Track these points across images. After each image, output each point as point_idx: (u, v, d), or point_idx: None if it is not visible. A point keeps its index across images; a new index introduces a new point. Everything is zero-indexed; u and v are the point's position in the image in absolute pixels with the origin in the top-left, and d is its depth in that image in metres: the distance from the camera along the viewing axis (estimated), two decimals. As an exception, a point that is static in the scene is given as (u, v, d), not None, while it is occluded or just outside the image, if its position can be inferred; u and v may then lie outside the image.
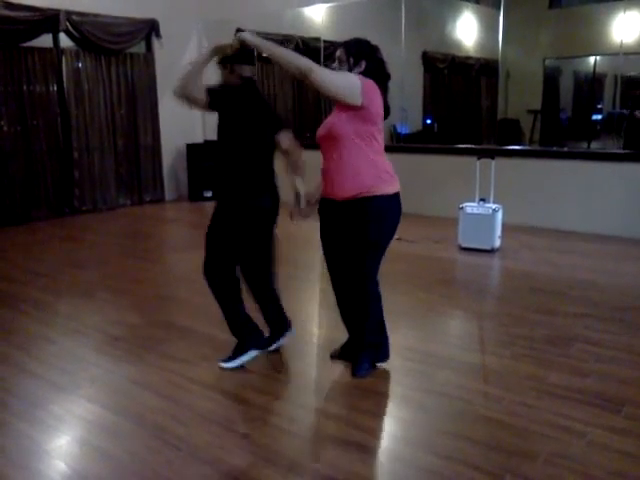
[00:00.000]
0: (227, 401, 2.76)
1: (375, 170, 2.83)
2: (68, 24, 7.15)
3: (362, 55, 2.78)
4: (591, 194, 5.95)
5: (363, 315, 2.98)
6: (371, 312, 2.98)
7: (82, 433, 2.55)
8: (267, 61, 8.61)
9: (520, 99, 8.66)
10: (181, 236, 6.91)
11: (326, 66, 2.83)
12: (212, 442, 2.41)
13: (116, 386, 2.95)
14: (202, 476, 2.20)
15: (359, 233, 2.85)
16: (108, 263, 5.31)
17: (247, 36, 2.72)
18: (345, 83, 2.68)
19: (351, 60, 2.76)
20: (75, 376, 3.06)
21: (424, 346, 3.34)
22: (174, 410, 2.67)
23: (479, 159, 5.50)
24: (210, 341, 3.48)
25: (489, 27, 8.47)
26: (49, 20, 6.96)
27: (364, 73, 2.74)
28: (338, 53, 2.80)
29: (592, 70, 8.65)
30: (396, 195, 2.93)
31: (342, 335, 3.52)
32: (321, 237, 3.07)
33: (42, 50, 7.10)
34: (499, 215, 5.32)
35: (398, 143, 8.21)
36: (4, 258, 5.53)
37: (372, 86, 2.71)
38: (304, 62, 2.62)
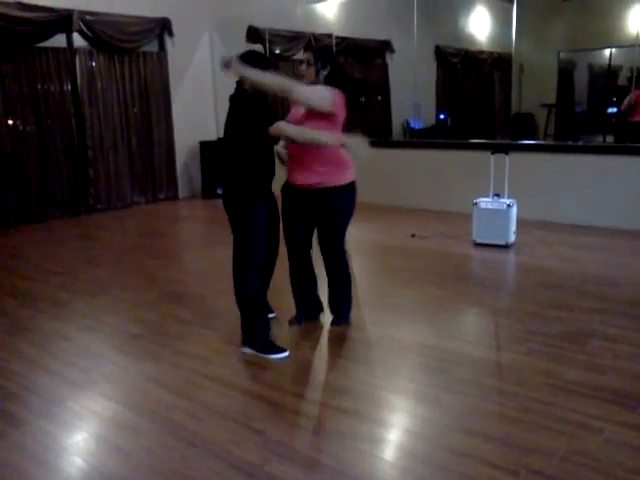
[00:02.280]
0: (242, 397, 2.77)
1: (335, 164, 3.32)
2: (81, 24, 7.19)
3: (328, 60, 3.25)
4: (606, 188, 5.89)
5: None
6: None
7: (98, 429, 2.57)
8: (280, 58, 8.62)
9: (534, 93, 8.58)
10: (195, 233, 6.94)
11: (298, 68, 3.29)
12: (227, 438, 2.43)
13: (132, 383, 2.98)
14: (217, 472, 2.21)
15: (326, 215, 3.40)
16: (123, 261, 5.35)
17: (235, 67, 2.99)
18: (322, 97, 3.10)
19: (319, 64, 3.22)
20: (91, 373, 3.08)
21: (438, 342, 3.33)
22: (189, 407, 2.69)
23: (493, 154, 5.46)
24: (225, 338, 3.49)
25: (502, 21, 8.40)
26: (63, 20, 7.01)
27: (328, 75, 3.21)
28: (306, 56, 3.25)
29: (607, 63, 8.54)
30: (352, 184, 3.48)
31: (357, 333, 3.53)
32: (284, 217, 3.46)
33: (56, 50, 7.16)
34: (514, 210, 5.28)
35: (411, 138, 8.18)
36: (21, 256, 5.59)
37: (339, 96, 3.16)
38: (284, 84, 3.06)
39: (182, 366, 3.12)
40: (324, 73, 3.22)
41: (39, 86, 7.07)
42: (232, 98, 3.15)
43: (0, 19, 6.47)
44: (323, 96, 3.10)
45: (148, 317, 3.85)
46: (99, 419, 2.65)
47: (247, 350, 3.25)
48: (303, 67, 3.25)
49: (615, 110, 7.39)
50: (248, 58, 3.08)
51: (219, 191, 8.43)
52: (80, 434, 2.54)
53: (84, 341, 3.53)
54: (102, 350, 3.39)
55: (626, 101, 6.85)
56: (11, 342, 3.50)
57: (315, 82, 3.23)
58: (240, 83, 3.12)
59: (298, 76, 3.29)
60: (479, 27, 9.61)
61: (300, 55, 3.08)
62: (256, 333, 3.24)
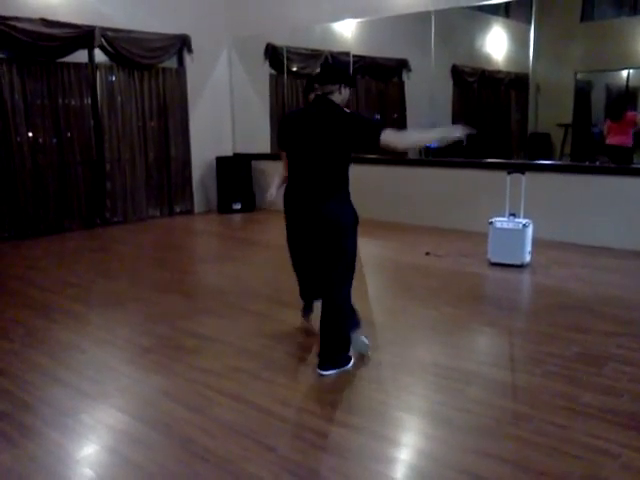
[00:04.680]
0: (254, 413, 2.76)
1: None
2: (103, 40, 7.32)
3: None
4: (623, 209, 5.84)
5: None
6: None
7: (111, 442, 2.57)
8: (297, 75, 8.70)
9: (550, 113, 8.56)
10: (211, 248, 6.97)
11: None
12: (239, 454, 2.42)
13: (145, 396, 2.98)
14: (229, 489, 2.21)
15: None
16: (138, 274, 5.39)
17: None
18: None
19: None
20: (105, 386, 3.10)
21: (452, 362, 3.31)
22: (202, 422, 2.69)
23: (509, 174, 5.45)
24: (239, 353, 3.50)
25: (519, 41, 8.42)
26: (85, 36, 7.13)
27: None
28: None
29: (625, 84, 8.52)
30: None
31: (372, 351, 3.51)
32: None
33: (77, 65, 7.28)
34: (529, 230, 5.25)
35: (427, 157, 8.18)
36: (37, 267, 5.65)
37: None
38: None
39: (195, 380, 3.12)
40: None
41: (60, 100, 7.18)
42: (322, 113, 3.11)
43: (24, 35, 6.60)
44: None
45: (162, 331, 3.86)
46: (112, 432, 2.65)
47: (330, 372, 3.15)
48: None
49: (634, 130, 7.36)
50: (334, 73, 3.18)
51: (235, 206, 8.52)
52: (92, 446, 2.55)
53: (98, 353, 3.54)
54: (116, 363, 3.40)
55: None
56: (26, 353, 3.53)
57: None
58: (327, 94, 3.10)
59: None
60: (496, 47, 9.63)
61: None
62: (347, 349, 3.24)
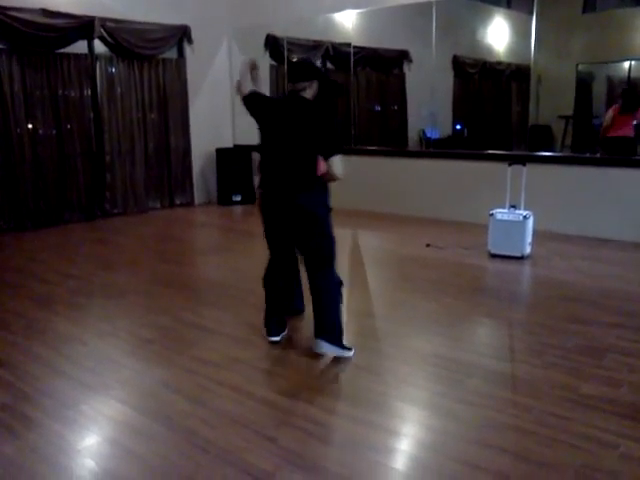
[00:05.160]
0: (255, 404, 2.77)
1: None
2: (103, 30, 7.28)
3: None
4: (625, 201, 5.84)
5: None
6: None
7: (112, 434, 2.58)
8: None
9: (552, 105, 8.53)
10: (211, 239, 6.97)
11: None
12: (240, 445, 2.43)
13: (146, 388, 2.99)
14: (230, 479, 2.21)
15: None
16: (139, 266, 5.39)
17: None
18: None
19: None
20: (106, 377, 3.10)
21: (453, 353, 3.31)
22: (203, 413, 2.69)
23: (510, 165, 5.44)
24: (240, 344, 3.50)
25: (520, 32, 8.37)
26: (84, 27, 7.10)
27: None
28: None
29: (627, 75, 8.48)
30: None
31: (371, 342, 3.52)
32: None
33: (77, 56, 7.25)
34: (530, 222, 5.25)
35: (427, 148, 8.16)
36: (38, 259, 5.65)
37: None
38: None
39: (196, 372, 3.13)
40: None
41: (60, 91, 7.16)
42: (295, 108, 3.19)
43: (24, 25, 6.57)
44: None
45: (162, 322, 3.86)
46: (113, 423, 2.66)
47: (326, 349, 3.26)
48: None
49: (635, 123, 7.34)
50: (305, 70, 3.25)
51: (235, 198, 8.51)
52: (94, 438, 2.56)
53: (99, 345, 3.55)
54: (117, 355, 3.41)
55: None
56: (27, 345, 3.53)
57: None
58: (298, 91, 3.18)
59: None
60: (497, 38, 9.59)
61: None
62: (341, 330, 3.30)
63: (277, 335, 3.51)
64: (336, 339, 3.27)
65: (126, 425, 2.63)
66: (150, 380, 3.07)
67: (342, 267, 5.17)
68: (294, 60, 2.96)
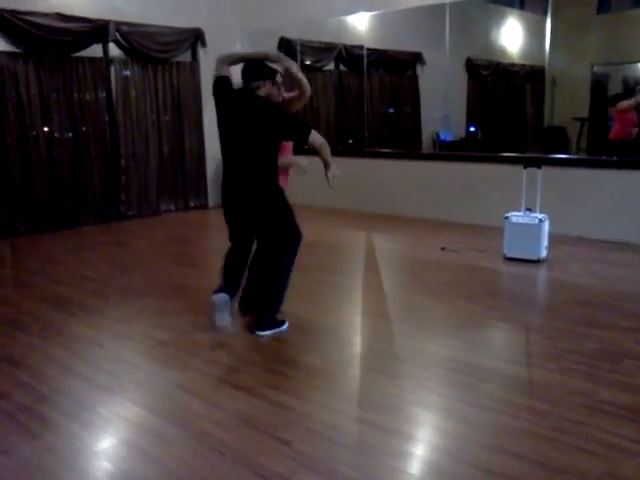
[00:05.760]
0: (270, 407, 2.77)
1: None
2: (117, 34, 7.34)
3: None
4: (641, 204, 5.78)
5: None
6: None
7: (128, 435, 2.60)
8: (310, 69, 8.68)
9: (566, 106, 8.47)
10: (225, 242, 6.95)
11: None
12: (255, 448, 2.43)
13: (162, 390, 3.00)
14: (245, 482, 2.22)
15: None
16: (154, 268, 5.41)
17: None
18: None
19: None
20: (122, 379, 3.12)
21: (468, 357, 3.29)
22: (218, 415, 2.70)
23: (525, 168, 5.40)
24: (254, 347, 3.51)
25: (534, 33, 8.33)
26: (99, 31, 7.16)
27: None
28: (280, 78, 3.54)
29: (643, 76, 8.39)
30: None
31: (386, 346, 3.51)
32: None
33: (92, 59, 7.31)
34: (546, 225, 5.21)
35: (441, 151, 8.14)
36: (54, 261, 5.70)
37: None
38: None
39: (211, 374, 3.14)
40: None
41: (75, 95, 7.22)
42: (251, 105, 3.41)
43: (40, 29, 6.64)
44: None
45: (177, 325, 3.88)
46: (129, 425, 2.67)
47: (266, 333, 3.61)
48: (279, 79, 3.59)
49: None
50: (258, 70, 3.45)
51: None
52: (110, 439, 2.57)
53: (115, 347, 3.57)
54: (132, 356, 3.43)
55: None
56: (45, 346, 3.56)
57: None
58: (254, 89, 3.43)
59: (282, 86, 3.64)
60: (511, 39, 9.54)
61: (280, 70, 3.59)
62: (276, 311, 3.66)
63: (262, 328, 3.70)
64: (273, 324, 3.66)
65: (142, 427, 2.64)
66: (165, 382, 3.08)
67: (356, 270, 5.18)
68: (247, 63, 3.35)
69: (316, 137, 3.42)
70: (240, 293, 3.88)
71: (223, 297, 3.53)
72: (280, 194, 3.60)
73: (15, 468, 2.34)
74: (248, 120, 3.40)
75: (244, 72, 3.50)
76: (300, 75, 3.61)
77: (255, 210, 3.48)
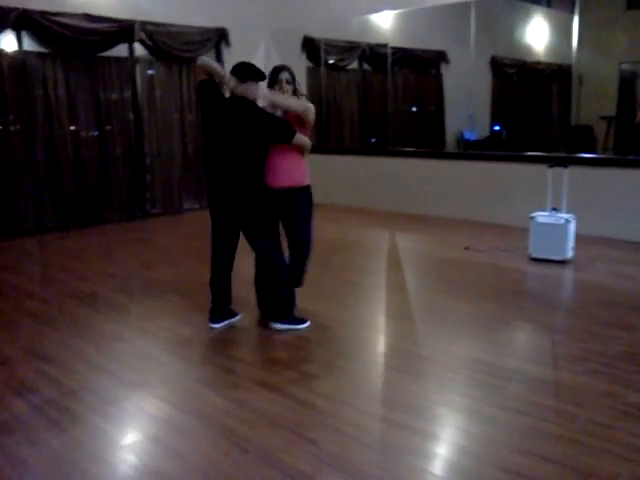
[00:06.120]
0: (295, 405, 2.78)
1: (303, 167, 3.75)
2: (143, 34, 7.42)
3: (295, 78, 3.71)
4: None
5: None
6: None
7: (153, 431, 2.62)
8: (334, 68, 8.68)
9: (593, 105, 8.35)
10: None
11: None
12: (279, 446, 2.44)
13: (186, 386, 3.03)
14: (269, 479, 2.23)
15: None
16: (178, 265, 5.46)
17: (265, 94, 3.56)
18: (313, 111, 3.64)
19: (294, 82, 3.66)
20: (146, 375, 3.15)
21: (492, 358, 3.27)
22: (242, 412, 2.72)
23: (551, 167, 5.34)
24: (278, 345, 3.52)
25: (561, 31, 8.23)
26: (125, 31, 7.24)
27: (294, 91, 3.67)
28: (286, 76, 3.61)
29: (672, 74, 8.24)
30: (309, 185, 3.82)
31: (411, 346, 3.50)
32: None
33: (118, 59, 7.40)
34: (572, 225, 5.14)
35: (465, 150, 8.08)
36: (80, 258, 5.78)
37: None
38: (300, 105, 3.59)
39: (234, 372, 3.16)
40: (294, 88, 3.70)
41: (101, 94, 7.32)
42: (236, 105, 3.48)
43: (67, 29, 6.74)
44: (313, 111, 3.66)
45: (201, 322, 3.90)
46: (154, 420, 2.70)
47: (280, 326, 3.66)
48: (284, 85, 3.61)
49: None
50: (243, 71, 3.50)
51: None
52: (135, 434, 2.60)
53: (140, 343, 3.61)
54: (157, 353, 3.46)
55: None
56: (71, 341, 3.62)
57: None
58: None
59: (282, 92, 3.63)
60: (537, 37, 9.43)
61: (285, 75, 3.64)
62: (290, 305, 3.70)
63: (218, 323, 3.78)
64: (287, 319, 3.71)
65: (166, 422, 2.67)
66: (190, 379, 3.10)
67: (380, 270, 5.17)
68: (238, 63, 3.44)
69: (300, 139, 3.52)
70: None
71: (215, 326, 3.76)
72: (262, 196, 3.62)
73: (43, 460, 2.38)
74: (233, 122, 3.46)
75: (232, 74, 3.53)
76: (276, 99, 3.55)
77: (239, 210, 3.58)
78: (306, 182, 3.75)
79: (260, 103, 3.52)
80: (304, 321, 3.73)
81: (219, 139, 3.55)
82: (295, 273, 3.84)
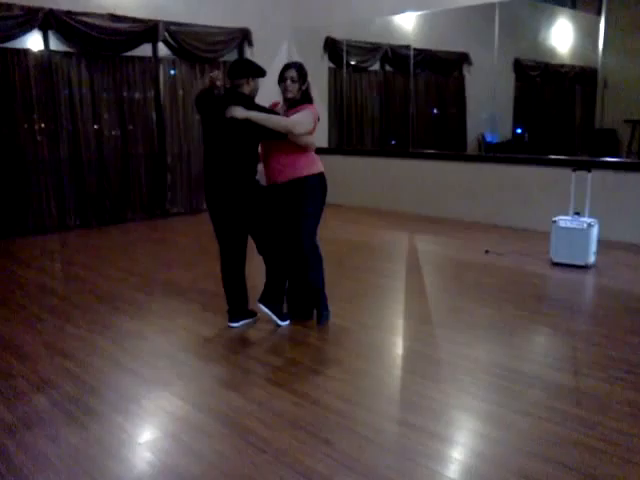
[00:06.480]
0: (311, 407, 2.77)
1: (307, 158, 3.67)
2: (166, 34, 7.48)
3: (306, 76, 3.67)
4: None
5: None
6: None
7: (172, 429, 2.63)
8: (356, 69, 8.67)
9: (618, 108, 8.23)
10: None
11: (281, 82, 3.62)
12: (296, 447, 2.43)
13: (204, 385, 3.04)
14: (286, 479, 2.23)
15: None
16: (197, 265, 5.49)
17: (238, 112, 3.42)
18: (309, 123, 3.56)
19: (301, 80, 3.61)
20: (166, 373, 3.17)
21: (513, 363, 3.23)
22: (260, 413, 2.72)
23: (575, 171, 5.27)
24: (297, 345, 3.52)
25: (586, 33, 8.12)
26: (149, 31, 7.31)
27: (305, 90, 3.65)
28: (292, 73, 3.58)
29: (700, 78, 8.08)
30: (321, 174, 3.73)
31: (429, 349, 3.48)
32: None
33: (141, 59, 7.47)
34: (595, 230, 5.08)
35: (487, 152, 8.02)
36: (102, 257, 5.84)
37: (316, 111, 3.67)
38: (285, 123, 3.48)
39: (253, 372, 3.17)
40: (303, 88, 3.64)
41: (124, 93, 7.39)
42: (231, 100, 3.46)
43: (93, 29, 6.82)
44: (311, 119, 3.58)
45: (220, 321, 3.92)
46: (172, 418, 2.72)
47: (265, 309, 3.72)
48: (288, 83, 3.59)
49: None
50: (241, 68, 3.54)
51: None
52: (154, 432, 2.62)
53: (159, 341, 3.64)
54: (176, 351, 3.48)
55: None
56: (92, 338, 3.66)
57: (296, 96, 3.64)
58: (237, 87, 3.51)
59: (283, 92, 3.64)
60: (561, 40, 9.33)
61: (290, 73, 3.61)
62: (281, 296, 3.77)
63: (236, 322, 3.82)
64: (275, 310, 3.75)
65: (185, 421, 2.68)
66: (209, 378, 3.12)
67: (400, 272, 5.14)
68: (235, 60, 3.48)
69: (299, 137, 3.52)
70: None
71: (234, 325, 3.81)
72: (258, 193, 3.62)
73: (63, 455, 2.40)
74: (227, 120, 3.44)
75: (229, 71, 3.57)
76: (252, 116, 3.44)
77: (234, 207, 3.58)
78: (310, 172, 3.66)
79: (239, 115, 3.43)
80: (286, 319, 3.81)
81: (214, 136, 3.57)
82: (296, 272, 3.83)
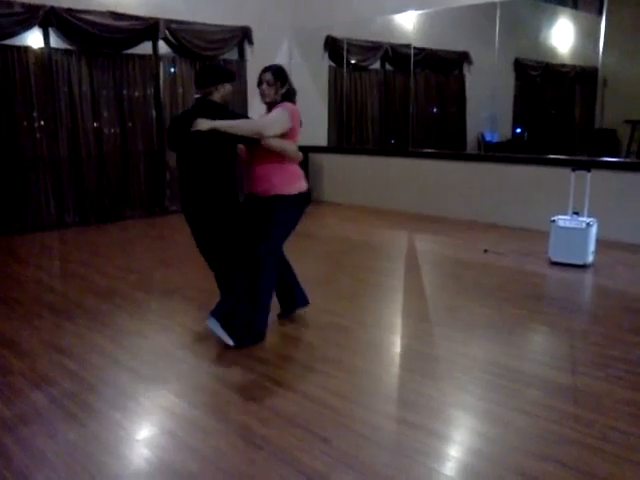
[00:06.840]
0: (309, 404, 2.77)
1: (285, 175, 3.46)
2: (167, 32, 7.48)
3: (286, 79, 3.52)
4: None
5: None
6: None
7: (169, 426, 2.63)
8: (356, 68, 8.67)
9: (618, 108, 8.24)
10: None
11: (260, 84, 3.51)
12: (294, 444, 2.43)
13: (202, 383, 3.04)
14: (284, 477, 2.22)
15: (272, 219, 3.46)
16: (195, 263, 5.45)
17: (203, 125, 3.23)
18: (283, 122, 3.35)
19: (278, 83, 3.47)
20: (163, 371, 3.17)
21: (511, 362, 3.23)
22: (257, 410, 2.72)
23: (574, 171, 5.27)
24: (294, 344, 3.52)
25: (587, 33, 8.12)
26: (150, 28, 7.31)
27: (285, 93, 3.48)
28: (267, 77, 3.46)
29: (701, 78, 8.09)
30: (300, 195, 3.51)
31: (428, 347, 3.48)
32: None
33: (142, 56, 7.47)
34: (593, 229, 5.08)
35: (486, 152, 8.02)
36: (101, 254, 5.84)
37: (296, 110, 3.45)
38: (252, 126, 3.35)
39: (251, 369, 3.16)
40: (282, 92, 3.48)
41: (124, 91, 7.39)
42: (202, 112, 3.31)
43: (94, 27, 6.81)
44: (284, 119, 3.37)
45: (219, 319, 3.92)
46: (170, 415, 2.72)
47: (215, 324, 3.36)
48: (264, 87, 3.47)
49: None
50: (208, 75, 3.41)
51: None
52: (151, 429, 2.62)
53: (157, 339, 3.63)
54: (174, 349, 3.48)
55: None
56: (91, 336, 3.66)
57: (275, 100, 3.47)
58: (207, 95, 3.38)
59: (261, 96, 3.52)
60: (562, 39, 9.33)
61: (267, 77, 3.51)
62: (248, 321, 3.44)
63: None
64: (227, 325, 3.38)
65: (182, 418, 2.68)
66: (206, 375, 3.12)
67: (399, 271, 5.15)
68: (201, 67, 3.33)
69: (276, 143, 3.37)
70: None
71: (212, 322, 3.43)
72: (235, 204, 3.45)
73: (61, 452, 2.40)
74: (193, 135, 3.27)
75: (195, 80, 3.49)
76: (217, 125, 3.25)
77: (211, 217, 3.43)
78: (286, 191, 3.43)
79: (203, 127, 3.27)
80: (251, 337, 3.44)
81: (186, 156, 3.43)
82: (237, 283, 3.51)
